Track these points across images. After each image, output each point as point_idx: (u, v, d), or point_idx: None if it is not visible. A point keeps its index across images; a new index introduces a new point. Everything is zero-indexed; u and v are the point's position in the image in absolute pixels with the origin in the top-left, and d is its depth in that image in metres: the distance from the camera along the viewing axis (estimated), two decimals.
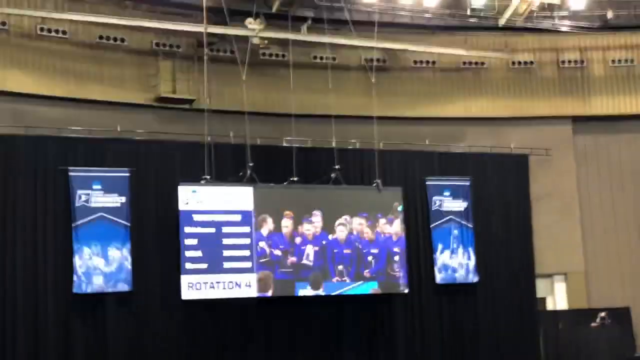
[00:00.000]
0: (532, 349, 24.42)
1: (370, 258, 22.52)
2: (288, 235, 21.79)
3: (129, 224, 20.61)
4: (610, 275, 26.86)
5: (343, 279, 22.11)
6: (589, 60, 27.11)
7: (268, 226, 21.59)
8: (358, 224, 22.58)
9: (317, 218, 22.13)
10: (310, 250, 21.95)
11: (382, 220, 22.85)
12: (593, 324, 25.06)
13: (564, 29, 26.23)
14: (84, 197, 20.24)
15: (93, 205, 20.31)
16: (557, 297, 26.69)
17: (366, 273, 22.39)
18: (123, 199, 20.63)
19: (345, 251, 22.30)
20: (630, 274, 26.96)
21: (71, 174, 20.21)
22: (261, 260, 21.31)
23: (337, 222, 22.33)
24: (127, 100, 22.31)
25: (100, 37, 21.96)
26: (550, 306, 26.65)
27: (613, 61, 27.10)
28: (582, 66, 27.05)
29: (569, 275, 26.65)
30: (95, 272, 20.10)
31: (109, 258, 20.28)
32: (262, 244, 21.42)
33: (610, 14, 26.29)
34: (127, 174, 20.79)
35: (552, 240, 26.00)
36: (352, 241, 22.44)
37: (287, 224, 21.80)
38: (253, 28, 22.77)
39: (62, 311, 19.78)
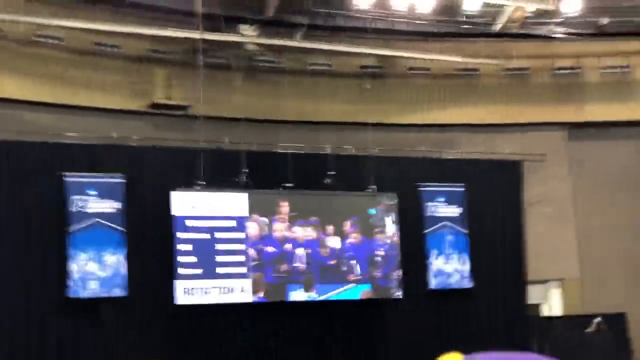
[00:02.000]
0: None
1: (360, 261, 22.59)
2: (280, 239, 21.87)
3: (124, 230, 20.69)
4: (606, 281, 26.92)
5: (335, 281, 22.18)
6: (583, 67, 27.18)
7: (261, 231, 21.67)
8: (350, 229, 22.65)
9: (310, 223, 22.22)
10: (301, 252, 22.03)
11: (374, 226, 22.91)
12: (588, 330, 25.07)
13: (558, 35, 26.36)
14: (80, 203, 20.32)
15: (89, 210, 20.41)
16: (552, 303, 26.76)
17: (353, 277, 22.45)
18: (118, 205, 20.72)
19: (338, 254, 22.39)
20: (625, 280, 27.02)
21: (66, 179, 20.32)
22: (253, 264, 21.40)
23: (331, 227, 22.40)
24: (122, 107, 22.44)
25: (96, 44, 22.06)
26: (545, 312, 26.71)
27: (607, 67, 27.17)
28: (576, 72, 27.14)
29: (564, 281, 26.73)
30: (90, 277, 20.19)
31: (104, 263, 20.37)
32: (255, 247, 21.51)
33: (604, 21, 26.41)
34: (123, 180, 20.88)
35: (546, 246, 26.07)
36: (345, 245, 22.51)
37: (279, 228, 21.88)
38: (248, 34, 22.88)
39: (56, 317, 19.83)
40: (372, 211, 22.86)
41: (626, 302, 26.78)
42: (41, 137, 20.48)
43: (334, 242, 22.40)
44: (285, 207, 22.00)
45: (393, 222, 23.11)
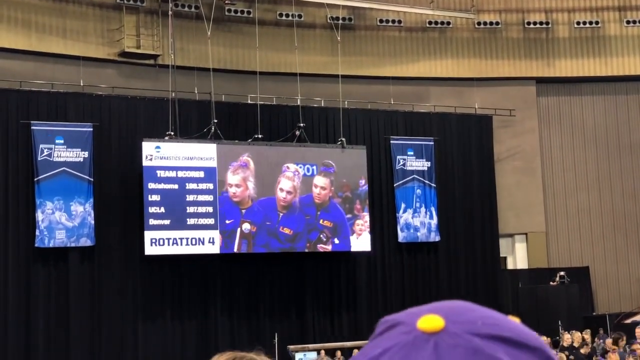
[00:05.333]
0: (492, 307, 24.64)
1: (330, 215, 22.61)
2: (251, 190, 21.79)
3: (91, 179, 20.53)
4: (570, 235, 27.23)
5: (305, 233, 22.20)
6: (554, 22, 27.22)
7: (231, 182, 21.59)
8: (318, 180, 22.59)
9: (280, 174, 22.13)
10: (272, 203, 21.94)
11: (343, 178, 22.91)
12: (552, 283, 25.41)
13: None
14: (46, 152, 20.12)
15: (55, 159, 20.22)
16: (517, 256, 27.03)
17: (326, 228, 22.48)
18: (85, 154, 20.54)
19: (308, 207, 22.37)
20: (589, 234, 27.33)
21: (33, 127, 20.09)
22: (224, 215, 21.31)
23: (299, 179, 22.34)
24: (91, 54, 22.12)
25: None
26: (510, 265, 27.00)
27: (578, 23, 27.20)
28: (547, 27, 27.16)
29: (529, 235, 26.98)
30: (57, 226, 20.06)
31: (71, 213, 20.23)
32: (225, 199, 21.44)
33: None
34: (90, 129, 20.68)
35: (513, 200, 26.27)
36: (314, 198, 22.50)
37: (250, 180, 21.80)
38: None
39: (24, 265, 19.74)
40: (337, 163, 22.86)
41: (590, 256, 27.15)
42: (7, 85, 20.20)
43: (304, 193, 22.36)
44: (256, 159, 21.89)
45: (361, 174, 23.10)
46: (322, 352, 19.92)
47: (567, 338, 17.96)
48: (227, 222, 21.30)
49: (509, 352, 0.96)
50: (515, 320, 1.01)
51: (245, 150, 21.80)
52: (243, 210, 21.60)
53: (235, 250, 21.48)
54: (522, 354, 0.96)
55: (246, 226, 21.51)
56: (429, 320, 1.00)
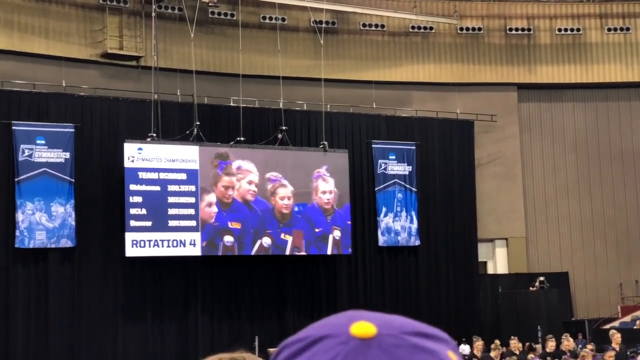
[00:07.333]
0: (472, 311, 24.84)
1: (311, 218, 22.65)
2: (232, 193, 21.78)
3: (73, 180, 20.45)
4: (550, 240, 27.39)
5: (286, 237, 22.23)
6: (536, 28, 27.40)
7: (212, 185, 21.58)
8: (302, 184, 22.64)
9: (261, 178, 22.14)
10: (253, 208, 21.96)
11: (327, 181, 22.94)
12: (532, 288, 25.53)
13: None
14: (27, 152, 20.03)
15: (36, 160, 20.13)
16: (497, 261, 27.16)
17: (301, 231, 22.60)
18: (67, 155, 20.46)
19: (285, 210, 22.40)
20: (569, 240, 27.49)
21: (14, 127, 19.99)
22: (205, 219, 21.30)
23: (281, 182, 22.36)
24: (73, 55, 22.06)
25: None
26: (490, 270, 27.12)
27: (559, 30, 27.39)
28: (529, 34, 27.34)
29: (509, 240, 27.11)
30: (38, 227, 19.97)
31: (52, 214, 20.15)
32: (205, 203, 21.41)
33: None
34: (72, 130, 20.60)
35: (494, 205, 26.39)
36: (297, 200, 22.54)
37: (231, 183, 21.79)
38: None
39: (3, 266, 19.62)
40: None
41: (569, 261, 27.30)
42: None
43: (286, 196, 22.37)
44: (236, 160, 21.88)
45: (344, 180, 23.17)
46: None
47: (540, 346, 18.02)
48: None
49: (433, 344, 1.03)
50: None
51: (228, 151, 21.79)
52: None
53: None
54: (440, 344, 1.04)
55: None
56: (363, 326, 1.02)
